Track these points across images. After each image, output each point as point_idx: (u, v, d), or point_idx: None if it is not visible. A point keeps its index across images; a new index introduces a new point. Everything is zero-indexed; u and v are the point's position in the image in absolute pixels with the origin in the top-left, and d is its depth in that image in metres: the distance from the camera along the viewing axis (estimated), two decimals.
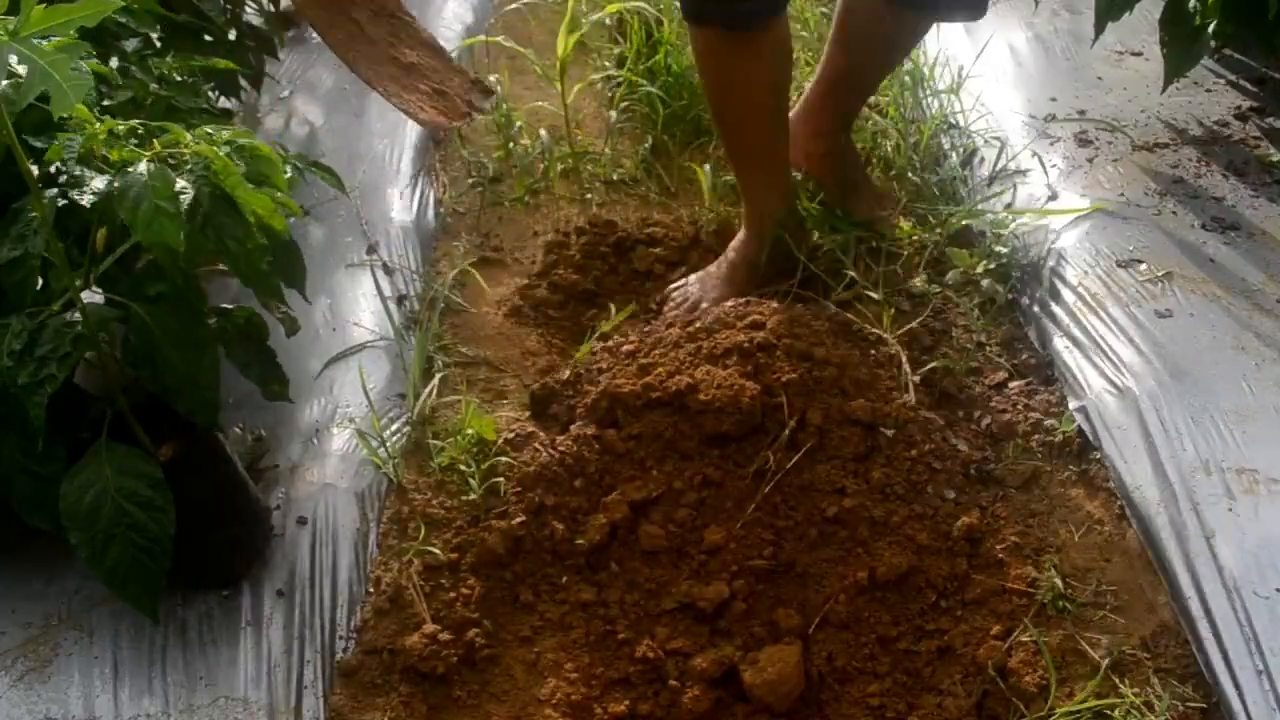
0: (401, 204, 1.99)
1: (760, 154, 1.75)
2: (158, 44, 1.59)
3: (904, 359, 1.62)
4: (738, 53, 1.61)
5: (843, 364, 1.53)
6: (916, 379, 1.60)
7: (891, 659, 1.35)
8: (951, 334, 1.72)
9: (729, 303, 1.65)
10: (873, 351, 1.64)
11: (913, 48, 2.00)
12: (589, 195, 2.09)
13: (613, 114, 2.21)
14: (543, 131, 2.15)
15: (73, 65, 0.96)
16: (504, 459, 1.50)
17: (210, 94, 1.83)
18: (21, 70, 0.98)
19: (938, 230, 1.89)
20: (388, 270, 1.83)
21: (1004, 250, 1.78)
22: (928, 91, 2.16)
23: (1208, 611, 1.24)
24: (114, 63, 1.42)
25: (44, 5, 0.97)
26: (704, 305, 1.73)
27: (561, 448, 1.50)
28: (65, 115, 1.01)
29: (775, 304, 1.62)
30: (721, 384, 1.48)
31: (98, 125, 1.08)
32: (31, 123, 1.18)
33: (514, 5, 2.43)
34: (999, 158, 1.98)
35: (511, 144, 2.17)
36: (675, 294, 1.81)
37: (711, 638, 1.38)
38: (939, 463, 1.48)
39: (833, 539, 1.43)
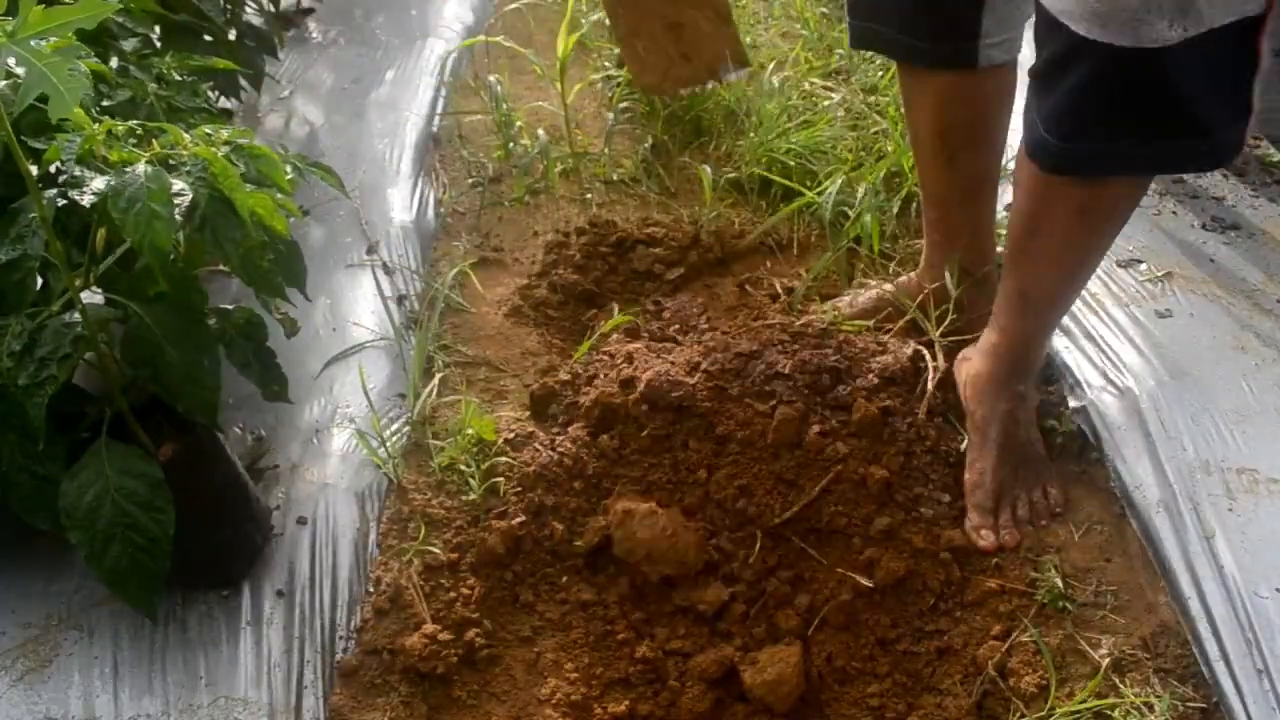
0: (401, 204, 1.98)
1: (931, 192, 1.62)
2: (157, 44, 1.59)
3: (929, 364, 1.58)
4: (907, 84, 1.54)
5: None
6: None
7: (891, 659, 1.35)
8: None
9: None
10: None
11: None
12: (589, 195, 2.09)
13: (611, 115, 2.21)
14: (541, 131, 2.15)
15: (70, 67, 0.96)
16: (504, 459, 1.50)
17: (210, 94, 1.83)
18: (20, 72, 0.98)
19: None
20: (388, 270, 1.83)
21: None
22: None
23: (1208, 611, 1.24)
24: (113, 62, 1.42)
25: (43, 6, 0.97)
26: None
27: (561, 448, 1.50)
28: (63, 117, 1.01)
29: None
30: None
31: (96, 126, 1.08)
32: (30, 124, 1.18)
33: (514, 5, 2.43)
34: None
35: (511, 144, 2.17)
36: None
37: (711, 638, 1.38)
38: (935, 470, 1.48)
39: (831, 541, 1.42)
